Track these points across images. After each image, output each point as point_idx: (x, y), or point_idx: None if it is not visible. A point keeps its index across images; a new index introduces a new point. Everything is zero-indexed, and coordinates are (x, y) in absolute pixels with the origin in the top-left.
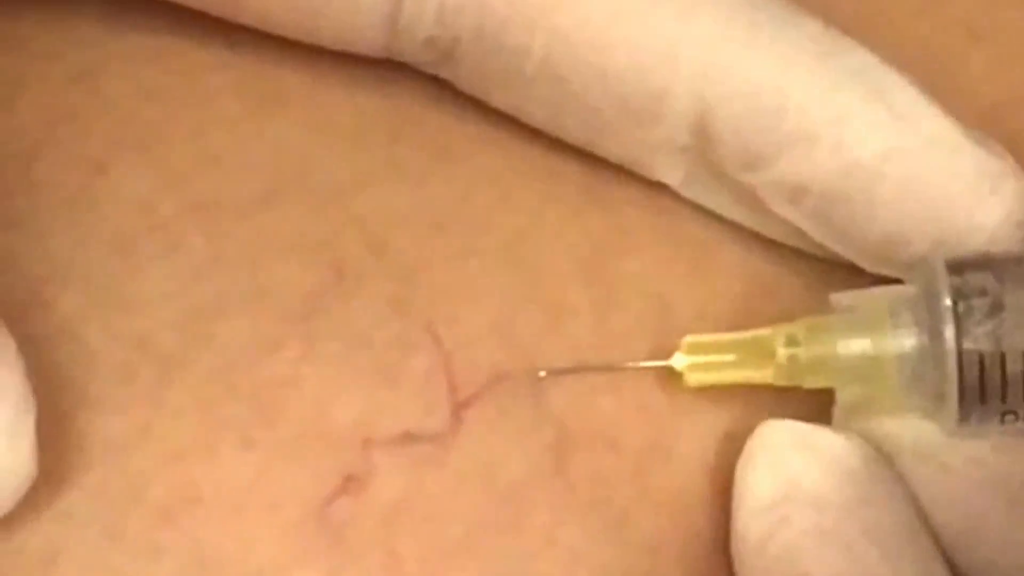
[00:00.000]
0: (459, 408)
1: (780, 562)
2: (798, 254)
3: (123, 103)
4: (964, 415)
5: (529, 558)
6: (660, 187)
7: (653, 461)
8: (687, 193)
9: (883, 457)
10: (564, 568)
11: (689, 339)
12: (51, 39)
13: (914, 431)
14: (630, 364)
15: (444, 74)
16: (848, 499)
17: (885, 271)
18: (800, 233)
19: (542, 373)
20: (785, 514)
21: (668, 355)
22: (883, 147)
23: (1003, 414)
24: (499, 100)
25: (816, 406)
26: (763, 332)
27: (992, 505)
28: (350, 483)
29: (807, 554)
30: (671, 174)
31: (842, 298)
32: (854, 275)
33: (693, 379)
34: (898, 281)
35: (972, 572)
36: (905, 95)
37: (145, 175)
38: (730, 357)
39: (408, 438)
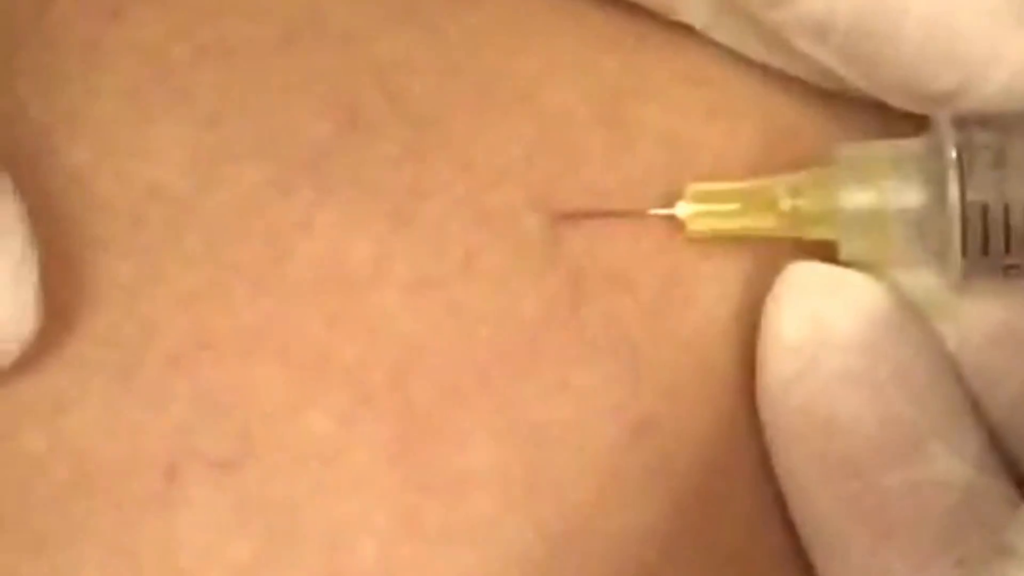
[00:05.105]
0: (472, 252)
1: (806, 403)
2: (820, 98)
3: None
4: (967, 268)
5: (543, 400)
6: (680, 30)
7: (670, 303)
8: (711, 34)
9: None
10: (578, 410)
11: (693, 187)
12: None
13: (922, 290)
14: (634, 210)
15: None
16: (877, 342)
17: (911, 107)
18: (825, 72)
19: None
20: (813, 355)
21: None
22: None
23: (1007, 267)
24: None
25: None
26: (766, 182)
27: (1008, 360)
28: (362, 326)
29: (834, 396)
30: (695, 15)
31: (847, 150)
32: (877, 117)
33: (696, 227)
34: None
35: (995, 416)
36: None
37: (158, 21)
38: (733, 206)
39: (422, 282)
